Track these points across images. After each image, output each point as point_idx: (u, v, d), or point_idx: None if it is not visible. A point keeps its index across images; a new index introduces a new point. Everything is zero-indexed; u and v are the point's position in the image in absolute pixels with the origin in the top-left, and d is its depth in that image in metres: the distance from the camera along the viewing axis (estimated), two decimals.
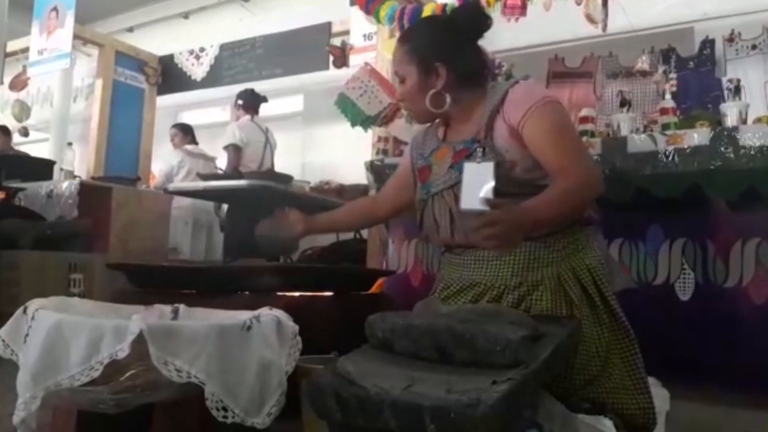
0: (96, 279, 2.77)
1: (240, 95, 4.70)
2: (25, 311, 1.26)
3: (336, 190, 4.27)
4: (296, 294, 1.78)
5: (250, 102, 4.65)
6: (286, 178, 3.69)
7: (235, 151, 4.40)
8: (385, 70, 3.42)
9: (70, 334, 1.13)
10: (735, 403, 2.07)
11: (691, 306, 2.29)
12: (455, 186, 1.49)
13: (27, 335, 1.22)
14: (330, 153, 5.94)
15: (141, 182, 4.76)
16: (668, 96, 2.86)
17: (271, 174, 3.79)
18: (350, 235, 4.69)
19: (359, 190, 4.02)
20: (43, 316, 1.19)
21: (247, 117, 4.61)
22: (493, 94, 1.54)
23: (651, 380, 1.44)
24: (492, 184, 1.40)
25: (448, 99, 1.55)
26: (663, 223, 2.36)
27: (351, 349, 1.23)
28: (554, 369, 1.20)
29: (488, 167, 1.43)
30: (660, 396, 1.50)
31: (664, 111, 2.40)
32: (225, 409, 1.16)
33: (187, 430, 1.21)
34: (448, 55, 1.54)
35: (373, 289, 2.21)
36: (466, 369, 1.11)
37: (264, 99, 4.74)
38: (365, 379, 1.11)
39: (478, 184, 1.42)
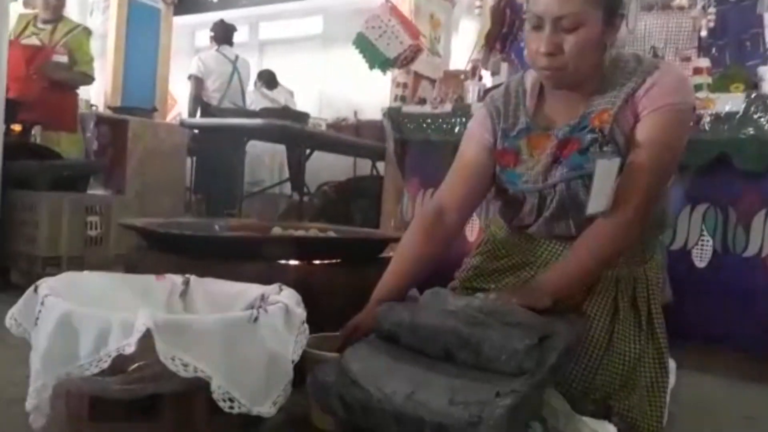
0: (113, 221, 2.78)
1: (212, 27, 4.87)
2: (36, 290, 1.27)
3: (353, 126, 4.19)
4: (307, 263, 1.78)
5: (219, 32, 4.81)
6: (303, 116, 3.62)
7: (195, 81, 4.67)
8: (407, 8, 3.27)
9: (79, 326, 1.14)
10: (741, 377, 2.08)
11: (706, 273, 2.25)
12: (558, 185, 1.34)
13: (38, 318, 1.23)
14: (350, 80, 5.80)
15: (157, 113, 4.70)
16: (704, 33, 2.70)
17: (288, 112, 3.72)
18: (367, 171, 4.66)
19: (376, 127, 3.94)
20: (52, 304, 1.20)
21: (214, 47, 4.79)
22: (618, 71, 1.33)
23: None
24: (614, 182, 1.24)
25: (608, 59, 1.34)
26: (685, 187, 2.28)
27: None
28: (560, 372, 1.19)
29: (615, 164, 1.25)
30: None
31: (697, 71, 2.26)
32: (231, 400, 1.18)
33: (195, 418, 1.24)
34: (624, 9, 1.37)
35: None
36: (471, 372, 1.12)
37: (233, 28, 4.91)
38: (368, 381, 1.12)
39: (605, 183, 1.24)
